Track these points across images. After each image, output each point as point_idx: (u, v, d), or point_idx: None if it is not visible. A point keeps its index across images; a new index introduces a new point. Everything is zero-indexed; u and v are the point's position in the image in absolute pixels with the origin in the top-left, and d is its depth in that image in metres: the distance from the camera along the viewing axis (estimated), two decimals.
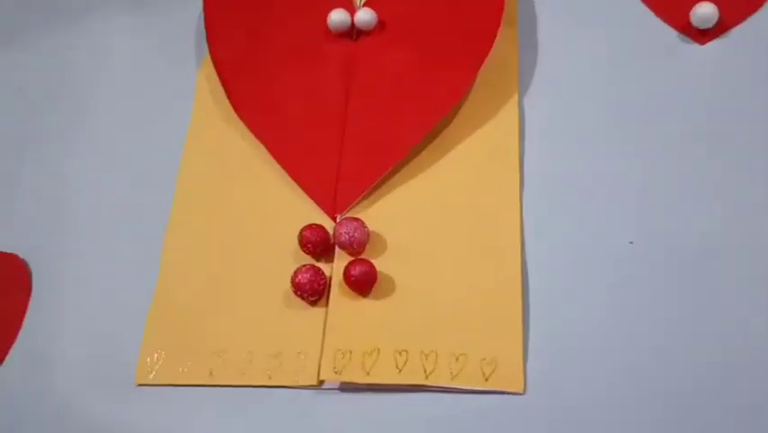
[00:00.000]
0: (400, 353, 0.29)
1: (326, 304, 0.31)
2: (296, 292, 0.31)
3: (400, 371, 0.28)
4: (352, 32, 0.37)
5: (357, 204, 0.33)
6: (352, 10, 0.37)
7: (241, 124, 0.35)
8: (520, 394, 0.28)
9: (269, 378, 0.29)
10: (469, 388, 0.28)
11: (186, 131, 0.37)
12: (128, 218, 0.35)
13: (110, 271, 0.34)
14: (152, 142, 0.37)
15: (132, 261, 0.34)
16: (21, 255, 0.34)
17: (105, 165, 0.37)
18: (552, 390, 0.28)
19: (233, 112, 0.36)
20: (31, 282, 0.34)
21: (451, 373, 0.28)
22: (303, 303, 0.31)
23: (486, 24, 0.35)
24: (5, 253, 0.34)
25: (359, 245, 0.31)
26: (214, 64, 0.36)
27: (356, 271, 0.30)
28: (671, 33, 0.36)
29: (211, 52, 0.36)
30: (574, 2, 0.37)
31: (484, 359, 0.29)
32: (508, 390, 0.28)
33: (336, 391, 0.29)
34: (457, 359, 0.29)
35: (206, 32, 0.37)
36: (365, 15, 0.36)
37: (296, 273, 0.31)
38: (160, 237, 0.34)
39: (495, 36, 0.34)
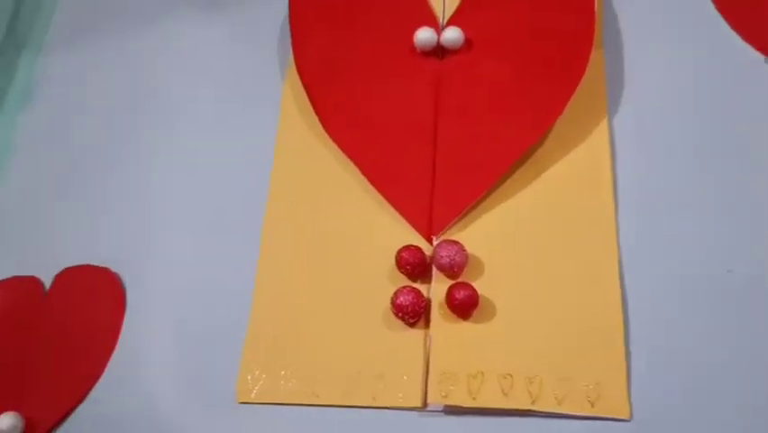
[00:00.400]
0: (505, 377, 0.29)
1: (425, 326, 0.31)
2: (396, 314, 0.31)
3: (506, 395, 0.29)
4: (438, 51, 0.37)
5: (452, 225, 0.33)
6: (436, 28, 0.37)
7: (329, 141, 0.36)
8: (626, 421, 0.28)
9: (374, 399, 0.30)
10: (575, 414, 0.29)
11: (271, 139, 0.37)
12: (217, 233, 0.35)
13: (202, 285, 0.34)
14: (239, 150, 0.37)
15: (225, 276, 0.34)
16: (112, 269, 0.35)
17: (191, 177, 0.37)
18: (657, 417, 0.28)
19: (319, 126, 0.36)
20: (125, 296, 0.34)
21: (556, 398, 0.29)
22: (401, 324, 0.31)
23: (578, 42, 0.35)
24: (98, 267, 0.35)
25: (458, 268, 0.31)
26: (303, 82, 0.36)
27: (460, 294, 0.30)
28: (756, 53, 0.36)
29: (299, 69, 0.37)
30: (659, 19, 0.38)
31: (588, 384, 0.29)
32: (615, 416, 0.28)
33: (441, 413, 0.30)
34: (561, 384, 0.29)
35: (293, 48, 0.37)
36: (453, 34, 0.36)
37: (396, 295, 0.31)
38: (252, 251, 0.34)
39: (589, 54, 0.34)
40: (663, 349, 0.30)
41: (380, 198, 0.34)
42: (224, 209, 0.36)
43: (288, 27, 0.39)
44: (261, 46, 0.40)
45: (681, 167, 0.34)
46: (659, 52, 0.37)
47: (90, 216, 0.37)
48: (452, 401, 0.29)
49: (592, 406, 0.29)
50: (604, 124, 0.35)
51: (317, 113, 0.36)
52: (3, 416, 0.32)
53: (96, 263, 0.35)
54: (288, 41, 0.39)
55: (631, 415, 0.28)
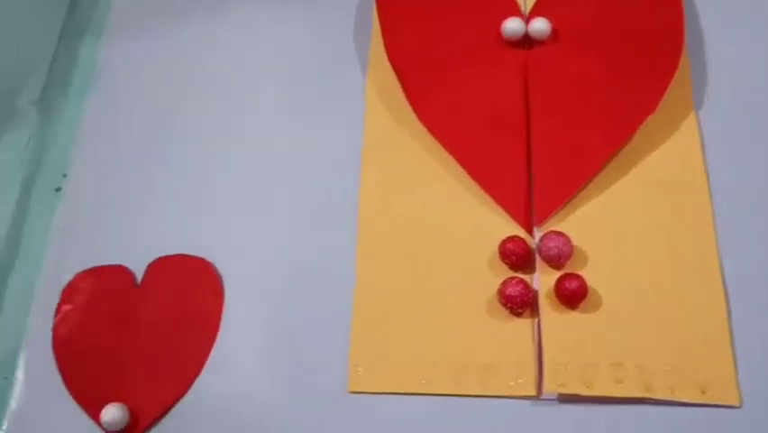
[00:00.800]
0: (617, 365, 0.30)
1: (532, 316, 0.32)
2: (505, 304, 0.32)
3: (620, 383, 0.30)
4: (524, 41, 0.37)
5: (552, 216, 0.34)
6: (523, 18, 0.38)
7: (418, 132, 0.36)
8: (737, 408, 0.30)
9: (485, 387, 0.31)
10: (687, 401, 0.30)
11: (356, 130, 0.37)
12: (310, 223, 0.35)
13: (298, 277, 0.34)
14: (326, 144, 0.37)
15: (321, 267, 0.34)
16: (209, 259, 0.35)
17: (273, 164, 0.37)
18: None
19: (406, 119, 0.36)
20: (223, 287, 0.34)
21: (668, 386, 0.30)
22: (508, 314, 0.32)
23: (668, 38, 0.36)
24: (193, 257, 0.35)
25: (565, 259, 0.32)
26: (397, 73, 0.36)
27: (572, 285, 0.31)
28: None
29: (390, 56, 0.37)
30: (738, 8, 0.38)
31: (698, 372, 0.30)
32: (725, 403, 0.29)
33: (554, 402, 0.30)
34: (672, 372, 0.30)
35: (384, 36, 0.37)
36: (541, 25, 0.37)
37: (505, 285, 0.32)
38: (346, 241, 0.34)
39: (680, 51, 0.35)
40: (766, 338, 0.31)
41: (475, 188, 0.34)
42: (315, 199, 0.36)
43: (363, 17, 0.39)
44: (337, 36, 0.40)
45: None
46: (741, 43, 0.37)
47: (174, 205, 0.37)
48: (568, 390, 0.30)
49: (703, 393, 0.30)
50: (691, 117, 0.35)
51: (412, 104, 0.36)
52: (108, 407, 0.32)
53: (193, 254, 0.35)
54: (364, 30, 0.39)
55: (741, 402, 0.30)
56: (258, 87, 0.39)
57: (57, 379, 0.33)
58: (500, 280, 0.32)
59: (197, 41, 0.41)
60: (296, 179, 0.36)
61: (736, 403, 0.29)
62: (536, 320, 0.32)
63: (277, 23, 0.41)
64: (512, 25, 0.37)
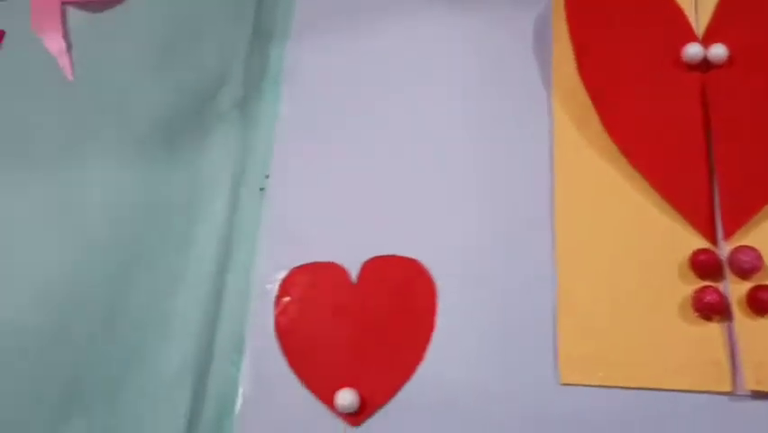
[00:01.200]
0: None
1: (723, 320, 0.36)
2: (701, 310, 0.35)
3: None
4: (702, 64, 0.41)
5: (739, 231, 0.37)
6: (698, 41, 0.41)
7: (605, 144, 0.39)
8: None
9: (688, 383, 0.35)
10: None
11: (542, 137, 0.40)
12: (507, 225, 0.39)
13: (501, 274, 0.38)
14: (510, 147, 0.40)
15: (520, 267, 0.38)
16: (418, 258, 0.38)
17: (474, 172, 0.40)
18: None
19: (595, 135, 0.40)
20: (435, 286, 0.38)
21: None
22: (698, 318, 0.36)
23: None
24: (408, 258, 0.38)
25: (756, 272, 0.36)
26: (587, 87, 0.40)
27: (765, 296, 0.35)
28: None
29: (582, 75, 0.40)
30: None
31: None
32: None
33: (747, 398, 0.34)
34: None
35: (576, 54, 0.40)
36: (719, 50, 0.40)
37: (703, 294, 0.35)
38: (543, 240, 0.38)
39: None
40: None
41: (662, 202, 0.38)
42: (508, 203, 0.39)
43: (543, 35, 0.43)
44: (516, 46, 0.43)
45: None
46: None
47: (377, 205, 0.40)
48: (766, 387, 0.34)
49: None
50: None
51: (603, 122, 0.39)
52: (343, 392, 0.36)
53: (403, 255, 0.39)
54: (544, 41, 0.42)
55: None
56: (449, 90, 0.42)
57: (282, 365, 0.37)
58: (689, 287, 0.36)
59: (373, 49, 0.44)
60: (488, 184, 0.40)
61: None
62: (728, 324, 0.36)
63: (454, 40, 0.44)
64: (693, 50, 0.40)
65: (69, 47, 0.42)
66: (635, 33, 0.41)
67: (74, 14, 0.43)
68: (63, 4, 0.43)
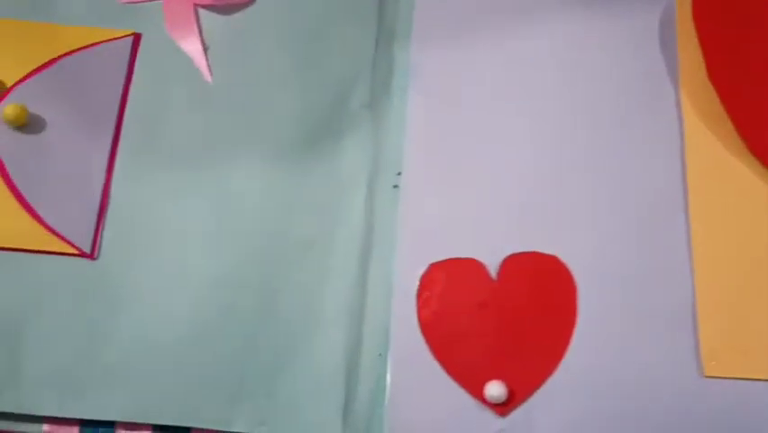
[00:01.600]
0: None
1: None
2: None
3: None
4: None
5: None
6: None
7: (737, 149, 0.41)
8: None
9: None
10: None
11: (672, 138, 0.42)
12: (638, 225, 0.40)
13: (638, 269, 0.39)
14: (641, 152, 0.42)
15: (658, 259, 0.40)
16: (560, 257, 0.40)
17: (607, 174, 0.42)
18: None
19: (726, 133, 0.41)
20: (575, 282, 0.39)
21: None
22: None
23: None
24: (547, 255, 0.40)
25: None
26: (717, 91, 0.41)
27: None
28: None
29: (711, 78, 0.41)
30: None
31: None
32: None
33: None
34: None
35: (705, 57, 0.41)
36: None
37: None
38: (678, 233, 0.40)
39: None
40: None
41: None
42: (642, 198, 0.41)
43: (668, 32, 0.44)
44: (643, 48, 0.44)
45: None
46: None
47: (512, 202, 0.41)
48: None
49: None
50: None
51: (732, 120, 0.40)
52: (493, 384, 0.37)
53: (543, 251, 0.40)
54: (670, 45, 0.43)
55: None
56: (580, 88, 0.43)
57: (426, 357, 0.39)
58: None
59: (497, 51, 0.45)
60: (621, 180, 0.41)
61: None
62: None
63: (577, 40, 0.45)
64: None
65: (206, 48, 0.44)
66: (763, 31, 0.42)
67: (206, 16, 0.45)
68: (195, 6, 0.44)
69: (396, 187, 0.43)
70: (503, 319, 0.39)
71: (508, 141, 0.43)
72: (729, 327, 0.38)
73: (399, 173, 0.43)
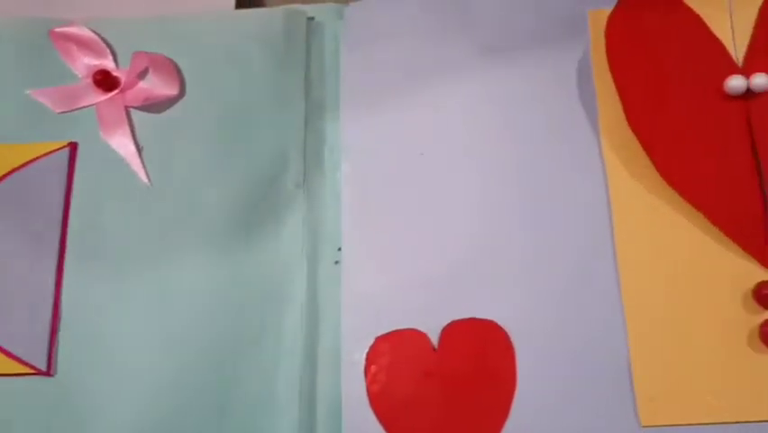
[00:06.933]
0: None
1: None
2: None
3: None
4: (745, 94, 0.43)
5: None
6: (738, 71, 0.43)
7: (659, 188, 0.43)
8: None
9: (762, 413, 0.38)
10: None
11: (595, 178, 0.44)
12: (570, 273, 0.43)
13: (573, 322, 0.42)
14: (570, 202, 0.44)
15: (589, 308, 0.42)
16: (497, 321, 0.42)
17: (538, 232, 0.44)
18: None
19: (647, 174, 0.43)
20: (513, 344, 0.42)
21: None
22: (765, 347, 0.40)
23: None
24: (485, 320, 0.42)
25: None
26: (636, 133, 0.43)
27: None
28: None
29: (630, 121, 0.43)
30: None
31: None
32: None
33: None
34: None
35: (623, 102, 0.44)
36: (763, 80, 0.43)
37: None
38: (608, 284, 0.42)
39: None
40: None
41: (720, 235, 0.41)
42: (571, 251, 0.43)
43: (585, 78, 0.46)
44: (561, 98, 0.46)
45: None
46: None
47: (449, 270, 0.44)
48: None
49: None
50: None
51: (656, 165, 0.42)
52: None
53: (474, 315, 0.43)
54: (587, 92, 0.46)
55: None
56: (505, 145, 0.46)
57: (378, 431, 0.42)
58: (755, 318, 0.40)
59: (422, 115, 0.47)
60: (549, 236, 0.43)
61: None
62: None
63: (499, 95, 0.47)
64: (735, 83, 0.43)
65: (140, 149, 0.46)
66: (677, 69, 0.44)
67: (138, 116, 0.47)
68: (127, 108, 0.47)
69: (337, 263, 0.45)
70: (447, 388, 0.42)
71: (441, 207, 0.45)
72: (662, 376, 0.40)
73: (340, 249, 0.46)
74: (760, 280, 0.40)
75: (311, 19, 0.51)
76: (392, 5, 0.50)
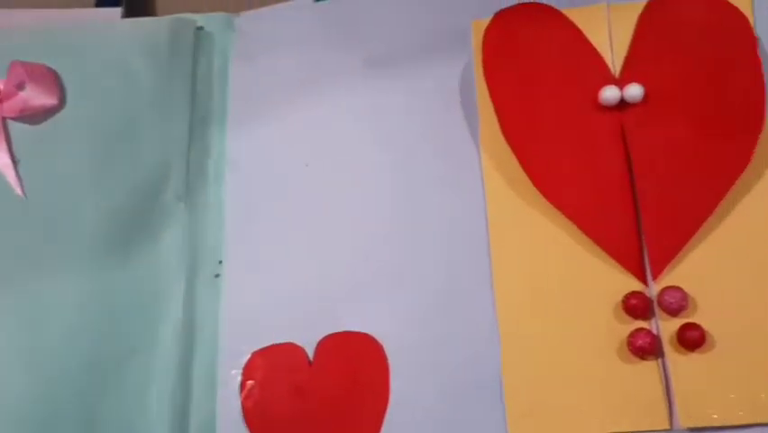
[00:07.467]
0: (736, 396, 0.38)
1: (656, 358, 0.39)
2: (636, 353, 0.39)
3: (746, 412, 0.37)
4: (620, 105, 0.44)
5: (666, 269, 0.41)
6: (613, 81, 0.44)
7: (537, 198, 0.42)
8: None
9: (629, 424, 0.38)
10: None
11: (475, 194, 0.44)
12: (448, 291, 0.42)
13: (446, 342, 0.41)
14: (448, 217, 0.44)
15: (463, 329, 0.41)
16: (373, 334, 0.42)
17: (412, 245, 0.44)
18: None
19: (524, 187, 0.43)
20: (387, 359, 0.41)
21: None
22: (638, 360, 0.39)
23: (751, 94, 0.42)
24: (360, 333, 0.42)
25: (683, 311, 0.39)
26: (509, 143, 0.43)
27: (694, 334, 0.38)
28: None
29: (504, 131, 0.43)
30: None
31: None
32: None
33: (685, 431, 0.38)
34: None
35: (497, 112, 0.44)
36: (636, 91, 0.43)
37: (636, 337, 0.39)
38: (484, 302, 0.41)
39: (764, 105, 0.41)
40: None
41: (593, 246, 0.41)
42: (449, 265, 0.43)
43: (468, 90, 0.46)
44: (445, 110, 0.46)
45: None
46: None
47: (327, 282, 0.44)
48: (702, 423, 0.38)
49: None
50: None
51: (529, 175, 0.42)
52: None
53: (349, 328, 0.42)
54: (470, 103, 0.45)
55: None
56: (389, 159, 0.46)
57: None
58: (625, 328, 0.40)
59: (309, 127, 0.47)
60: (428, 249, 0.43)
61: None
62: (661, 361, 0.39)
63: (382, 108, 0.47)
64: (609, 93, 0.43)
65: (16, 162, 0.46)
66: (553, 81, 0.45)
67: (15, 128, 0.47)
68: (3, 119, 0.46)
69: (218, 276, 0.45)
70: (319, 403, 0.41)
71: (322, 220, 0.45)
72: (532, 390, 0.40)
73: (221, 262, 0.45)
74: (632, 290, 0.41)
75: (200, 29, 0.51)
76: (282, 17, 0.51)
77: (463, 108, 0.46)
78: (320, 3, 0.50)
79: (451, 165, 0.45)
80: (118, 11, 0.51)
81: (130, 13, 0.52)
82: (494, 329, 0.41)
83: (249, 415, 0.42)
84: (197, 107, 0.48)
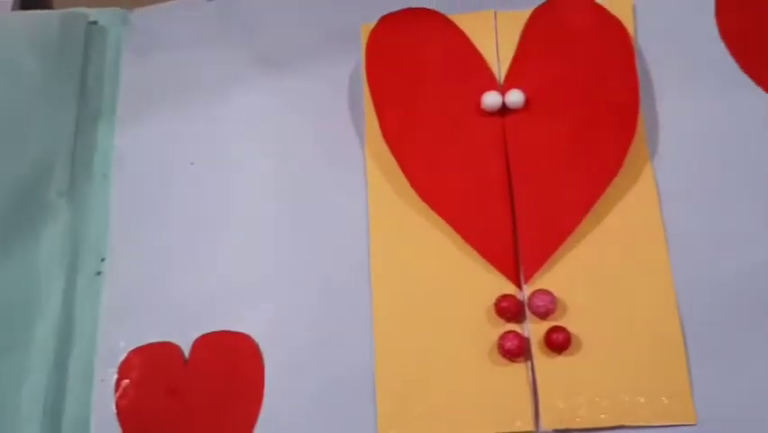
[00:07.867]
0: (600, 399, 0.39)
1: (526, 360, 0.40)
2: (504, 355, 0.40)
3: (606, 415, 0.38)
4: (502, 110, 0.44)
5: (538, 272, 0.41)
6: (497, 87, 0.44)
7: (418, 202, 0.43)
8: (692, 426, 0.38)
9: (494, 426, 0.39)
10: (655, 424, 0.38)
11: (359, 198, 0.44)
12: (326, 293, 0.43)
13: (322, 344, 0.42)
14: (329, 212, 0.44)
15: (340, 332, 0.42)
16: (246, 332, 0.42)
17: (293, 248, 0.44)
18: (723, 419, 0.38)
19: (407, 191, 0.43)
20: (263, 359, 0.41)
21: (639, 411, 0.38)
22: (508, 363, 0.40)
23: (626, 99, 0.43)
24: (237, 333, 0.42)
25: (551, 314, 0.40)
26: (389, 146, 0.43)
27: (559, 338, 0.39)
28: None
29: (384, 135, 0.44)
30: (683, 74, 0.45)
31: (662, 396, 0.38)
32: (682, 422, 0.38)
33: None
34: (643, 398, 0.38)
35: (378, 115, 0.44)
36: (516, 97, 0.44)
37: (505, 340, 0.40)
38: (362, 309, 0.42)
39: (637, 112, 0.43)
40: (722, 353, 0.39)
41: (470, 250, 0.42)
42: (330, 265, 0.43)
43: (357, 92, 0.46)
44: (334, 111, 0.46)
45: (718, 205, 0.42)
46: (686, 99, 0.45)
47: (208, 281, 0.44)
48: (566, 425, 0.38)
49: (666, 415, 0.38)
50: (648, 169, 0.43)
51: (408, 178, 0.43)
52: None
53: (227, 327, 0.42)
54: (359, 105, 0.46)
55: (697, 419, 0.38)
56: (278, 157, 0.46)
57: None
58: (498, 331, 0.40)
59: (199, 125, 0.47)
60: (308, 249, 0.44)
61: (692, 421, 0.38)
62: (529, 363, 0.40)
63: (271, 108, 0.47)
64: (491, 99, 0.44)
65: None
66: (436, 85, 0.45)
67: None
68: None
69: (99, 274, 0.45)
70: (193, 403, 0.41)
71: (206, 220, 0.45)
72: (404, 392, 0.40)
73: (103, 259, 0.45)
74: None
75: (94, 23, 0.50)
76: (177, 14, 0.50)
77: (351, 110, 0.46)
78: (214, 1, 0.50)
79: (337, 167, 0.45)
80: (8, 3, 0.50)
81: (25, 5, 0.52)
82: (371, 330, 0.42)
83: (123, 414, 0.41)
84: (87, 103, 0.48)
